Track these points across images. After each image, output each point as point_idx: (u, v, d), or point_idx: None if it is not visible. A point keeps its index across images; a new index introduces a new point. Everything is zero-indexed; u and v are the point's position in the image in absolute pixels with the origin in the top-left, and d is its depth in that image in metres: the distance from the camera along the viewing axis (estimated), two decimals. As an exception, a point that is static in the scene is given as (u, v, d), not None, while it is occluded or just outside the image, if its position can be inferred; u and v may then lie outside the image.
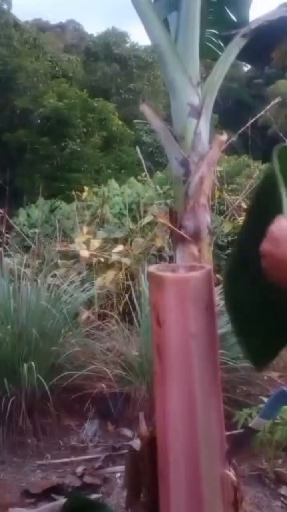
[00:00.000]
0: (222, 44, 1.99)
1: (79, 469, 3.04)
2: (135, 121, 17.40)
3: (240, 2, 1.94)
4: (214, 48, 2.03)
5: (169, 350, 1.29)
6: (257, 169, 10.70)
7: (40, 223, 8.03)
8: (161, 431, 1.33)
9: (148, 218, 5.96)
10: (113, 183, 8.94)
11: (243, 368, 3.53)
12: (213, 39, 2.03)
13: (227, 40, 1.78)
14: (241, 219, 6.20)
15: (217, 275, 3.76)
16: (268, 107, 7.07)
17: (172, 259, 2.05)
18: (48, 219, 8.67)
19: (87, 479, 2.93)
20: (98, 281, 4.62)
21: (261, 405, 2.79)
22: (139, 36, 26.36)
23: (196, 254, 1.51)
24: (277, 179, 1.02)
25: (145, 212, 6.26)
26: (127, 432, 3.41)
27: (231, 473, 1.29)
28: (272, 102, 7.15)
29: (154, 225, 5.87)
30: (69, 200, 10.07)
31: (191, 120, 1.55)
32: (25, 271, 4.30)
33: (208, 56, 2.02)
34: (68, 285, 4.14)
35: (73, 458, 3.19)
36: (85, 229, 5.83)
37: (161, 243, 5.40)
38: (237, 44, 1.67)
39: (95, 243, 5.33)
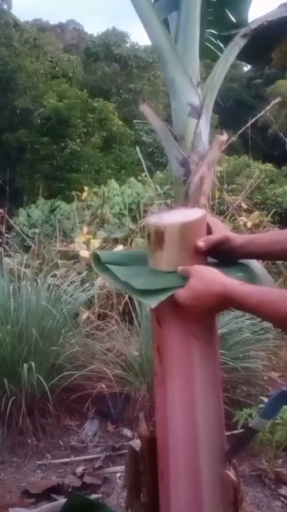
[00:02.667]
0: (221, 44, 1.99)
1: (79, 469, 3.03)
2: (135, 121, 17.41)
3: (240, 3, 1.94)
4: (214, 48, 2.03)
5: (169, 350, 1.29)
6: (257, 169, 10.69)
7: (40, 223, 8.04)
8: (161, 431, 1.33)
9: (148, 218, 5.94)
10: (113, 183, 8.95)
11: (243, 368, 3.53)
12: (213, 39, 2.03)
13: (227, 40, 1.78)
14: (241, 219, 6.21)
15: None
16: (268, 107, 7.07)
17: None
18: (48, 219, 8.68)
19: (87, 479, 2.93)
20: (98, 281, 4.61)
21: (261, 405, 2.79)
22: (139, 36, 26.43)
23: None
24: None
25: (145, 212, 6.26)
26: (127, 432, 3.40)
27: (231, 473, 1.29)
28: (272, 102, 7.15)
29: (154, 225, 5.85)
30: (69, 200, 10.08)
31: (191, 120, 1.55)
32: (25, 271, 4.30)
33: (208, 56, 2.03)
34: (68, 285, 4.14)
35: (73, 458, 3.18)
36: (85, 229, 5.82)
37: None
38: (237, 44, 1.68)
39: (95, 243, 5.33)
